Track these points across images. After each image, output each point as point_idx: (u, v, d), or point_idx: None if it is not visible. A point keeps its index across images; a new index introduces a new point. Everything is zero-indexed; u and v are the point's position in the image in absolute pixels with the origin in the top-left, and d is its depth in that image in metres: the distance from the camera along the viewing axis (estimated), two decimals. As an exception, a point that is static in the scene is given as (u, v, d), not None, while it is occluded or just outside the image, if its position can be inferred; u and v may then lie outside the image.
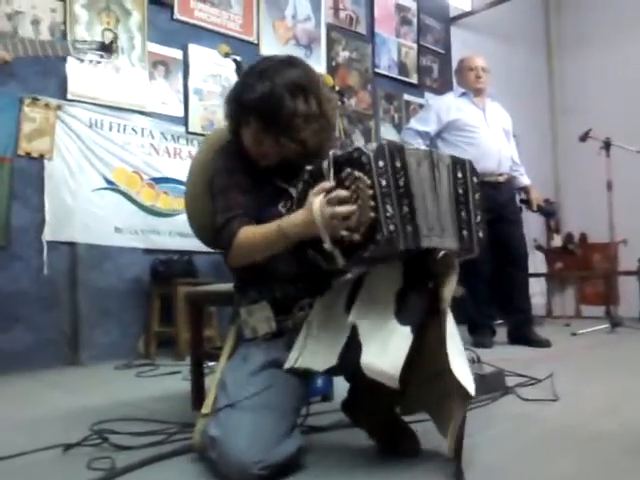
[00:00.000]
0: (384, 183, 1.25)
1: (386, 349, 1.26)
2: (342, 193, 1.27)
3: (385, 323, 1.30)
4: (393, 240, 1.23)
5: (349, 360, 1.32)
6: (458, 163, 1.41)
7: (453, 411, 1.36)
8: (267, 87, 1.49)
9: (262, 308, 1.52)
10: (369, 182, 1.24)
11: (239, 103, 1.55)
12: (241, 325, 1.56)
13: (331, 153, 1.33)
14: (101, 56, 1.68)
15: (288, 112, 1.48)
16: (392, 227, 1.23)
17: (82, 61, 1.66)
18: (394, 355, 1.25)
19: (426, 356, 1.33)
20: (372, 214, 1.24)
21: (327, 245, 1.28)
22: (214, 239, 1.60)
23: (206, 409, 1.49)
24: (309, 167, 1.38)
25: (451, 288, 1.34)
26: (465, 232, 1.38)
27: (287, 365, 1.41)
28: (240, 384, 1.40)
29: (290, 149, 1.53)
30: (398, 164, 1.28)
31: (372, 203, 1.24)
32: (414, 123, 4.00)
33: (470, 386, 1.31)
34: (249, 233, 1.47)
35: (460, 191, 1.39)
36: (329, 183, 1.31)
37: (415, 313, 1.32)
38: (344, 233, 1.27)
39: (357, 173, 1.26)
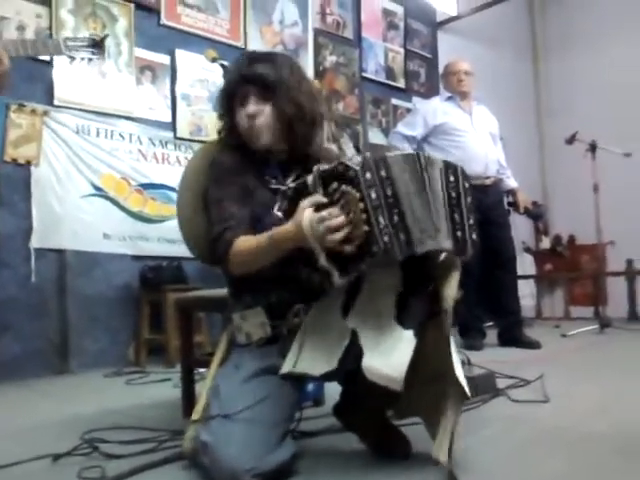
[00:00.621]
0: (374, 195, 1.25)
1: (389, 353, 1.27)
2: (333, 211, 1.26)
3: (386, 327, 1.31)
4: (388, 251, 1.24)
5: (348, 365, 1.32)
6: (450, 167, 1.42)
7: (447, 413, 1.36)
8: (268, 58, 1.65)
9: (256, 314, 1.51)
10: (359, 196, 1.24)
11: (239, 77, 1.63)
12: (234, 331, 1.56)
13: (315, 168, 1.33)
14: (92, 53, 1.66)
15: (286, 76, 1.62)
16: (387, 238, 1.24)
17: (73, 59, 1.63)
18: (398, 359, 1.26)
19: (425, 359, 1.33)
20: (365, 227, 1.24)
21: (322, 261, 1.28)
22: (209, 250, 1.59)
23: (196, 415, 1.49)
24: (291, 183, 1.37)
25: (453, 288, 1.35)
26: (459, 233, 1.39)
27: (283, 370, 1.40)
28: (233, 392, 1.40)
29: (287, 115, 1.60)
30: (384, 174, 1.28)
31: (364, 216, 1.24)
32: (401, 127, 4.02)
33: (467, 387, 1.33)
34: (243, 244, 1.47)
35: (453, 194, 1.40)
36: (318, 197, 1.30)
37: (416, 316, 1.33)
38: (337, 247, 1.26)
39: (345, 187, 1.26)
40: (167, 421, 1.94)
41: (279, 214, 1.44)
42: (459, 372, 1.32)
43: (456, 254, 1.40)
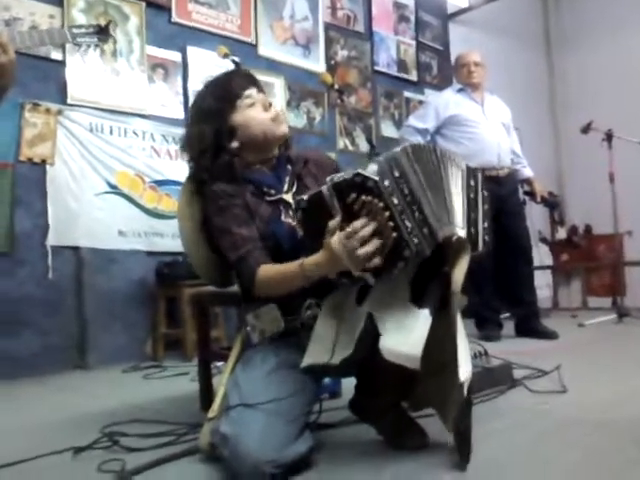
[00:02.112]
0: (396, 201, 1.24)
1: (405, 332, 1.28)
2: (358, 224, 1.24)
3: (402, 308, 1.31)
4: (419, 252, 1.24)
5: (365, 349, 1.32)
6: (471, 171, 1.45)
7: (456, 401, 1.36)
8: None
9: (269, 310, 1.51)
10: (382, 205, 1.23)
11: (235, 79, 1.68)
12: (249, 332, 1.56)
13: (329, 179, 1.29)
14: (99, 39, 1.66)
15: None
16: (416, 240, 1.24)
17: (80, 46, 1.63)
18: (414, 337, 1.27)
19: (436, 346, 1.32)
20: (394, 234, 1.23)
21: (357, 273, 1.27)
22: (236, 277, 1.63)
23: (212, 413, 1.49)
24: (304, 196, 1.33)
25: (462, 271, 1.33)
26: (472, 229, 1.40)
27: (304, 364, 1.41)
28: (253, 385, 1.41)
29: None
30: (397, 174, 1.27)
31: (391, 224, 1.23)
32: (413, 120, 4.00)
33: (463, 371, 1.30)
34: (270, 272, 1.47)
35: (472, 196, 1.43)
36: (338, 218, 1.27)
37: (431, 297, 1.34)
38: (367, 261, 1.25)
39: (366, 198, 1.24)
40: (185, 414, 1.95)
41: (293, 223, 1.46)
42: (462, 360, 1.30)
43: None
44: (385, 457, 1.47)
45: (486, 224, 1.43)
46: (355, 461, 1.46)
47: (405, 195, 1.25)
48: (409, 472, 1.37)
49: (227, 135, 1.63)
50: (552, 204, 4.39)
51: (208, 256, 1.70)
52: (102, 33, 1.68)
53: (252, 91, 1.66)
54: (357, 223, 1.24)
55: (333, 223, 1.28)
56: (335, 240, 1.26)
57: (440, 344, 1.33)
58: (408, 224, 1.23)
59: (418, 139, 3.80)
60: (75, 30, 1.62)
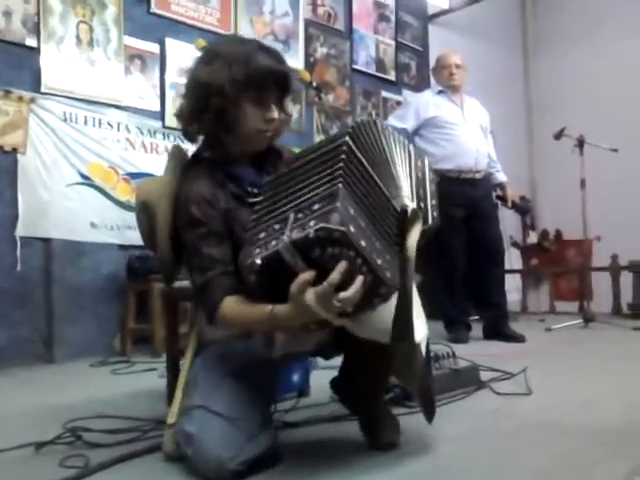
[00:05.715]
0: (363, 244, 1.15)
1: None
2: (334, 279, 1.14)
3: None
4: (394, 285, 1.21)
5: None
6: (418, 154, 1.46)
7: (416, 362, 1.37)
8: (281, 57, 1.51)
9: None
10: (352, 253, 1.14)
11: (267, 71, 1.45)
12: (203, 327, 1.53)
13: (286, 238, 1.17)
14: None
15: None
16: (389, 274, 1.19)
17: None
18: (382, 312, 1.25)
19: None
20: (370, 276, 1.17)
21: (336, 322, 1.22)
22: (199, 300, 1.53)
23: (172, 419, 1.47)
24: (257, 259, 1.19)
25: (414, 237, 1.28)
26: (422, 204, 1.38)
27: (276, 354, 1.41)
28: (213, 382, 1.40)
29: (282, 122, 1.54)
30: (352, 211, 1.18)
31: (364, 268, 1.16)
32: (392, 120, 4.01)
33: (418, 331, 1.30)
34: (234, 312, 1.35)
35: (419, 175, 1.42)
36: (308, 276, 1.17)
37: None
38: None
39: (333, 250, 1.14)
40: (152, 411, 1.93)
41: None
42: (416, 322, 1.29)
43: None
44: (351, 456, 1.48)
45: (434, 202, 1.41)
46: (319, 459, 1.46)
47: (364, 230, 1.18)
48: (374, 472, 1.38)
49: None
50: (522, 210, 4.42)
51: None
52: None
53: (268, 92, 1.48)
54: (332, 278, 1.14)
55: (303, 280, 1.17)
56: (310, 298, 1.16)
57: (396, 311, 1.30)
58: (379, 262, 1.17)
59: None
60: None
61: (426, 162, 1.48)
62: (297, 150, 1.55)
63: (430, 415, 1.48)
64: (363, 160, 1.28)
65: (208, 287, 1.40)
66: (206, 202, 1.43)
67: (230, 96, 1.42)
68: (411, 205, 1.33)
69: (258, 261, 1.19)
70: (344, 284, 1.15)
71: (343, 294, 1.15)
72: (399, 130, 3.86)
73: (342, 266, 1.14)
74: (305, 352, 1.38)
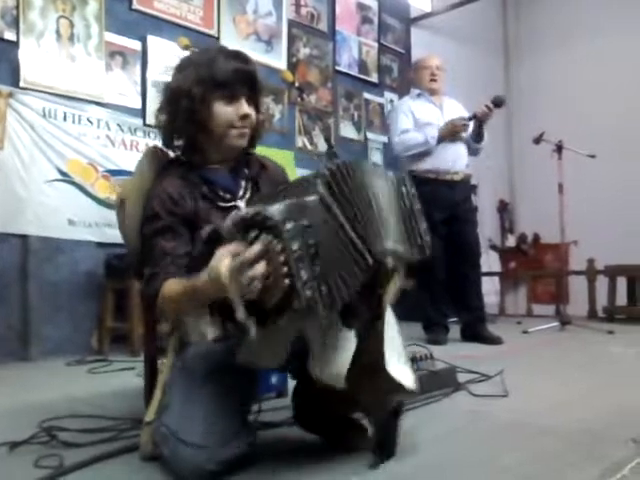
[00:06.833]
0: (295, 247, 1.13)
1: (332, 352, 1.29)
2: (251, 253, 1.15)
3: (330, 328, 1.30)
4: (311, 306, 1.15)
5: (296, 360, 1.34)
6: (401, 180, 1.37)
7: (384, 405, 1.38)
8: (248, 58, 1.57)
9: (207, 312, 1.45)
10: (280, 247, 1.14)
11: (232, 71, 1.51)
12: (186, 331, 1.52)
13: (232, 215, 1.24)
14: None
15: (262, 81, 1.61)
16: (309, 293, 1.13)
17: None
18: (340, 358, 1.28)
19: (366, 356, 1.32)
20: (287, 281, 1.14)
21: (240, 315, 1.17)
22: (142, 289, 1.55)
23: (150, 417, 1.46)
24: (207, 229, 1.31)
25: (392, 295, 1.33)
26: (412, 240, 1.34)
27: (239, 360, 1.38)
28: (190, 385, 1.39)
29: (259, 120, 1.60)
30: (306, 222, 1.16)
31: (285, 270, 1.14)
32: (396, 136, 3.95)
33: (408, 382, 1.34)
34: (170, 289, 1.39)
35: (405, 202, 1.35)
36: (236, 246, 1.19)
37: (359, 318, 1.32)
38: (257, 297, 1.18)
39: (265, 237, 1.16)
40: (128, 410, 1.92)
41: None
42: (393, 368, 1.33)
43: (411, 256, 1.34)
44: (328, 456, 1.48)
45: (424, 224, 1.37)
46: (297, 460, 1.46)
47: (309, 246, 1.15)
48: (349, 472, 1.38)
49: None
50: (498, 101, 3.95)
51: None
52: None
53: (237, 89, 1.53)
54: (246, 253, 1.15)
55: (226, 250, 1.20)
56: (224, 266, 1.17)
57: (368, 355, 1.32)
58: (303, 274, 1.13)
59: (417, 137, 3.81)
60: None
61: (408, 183, 1.38)
62: (281, 160, 1.57)
63: (383, 454, 1.40)
64: (338, 213, 1.19)
65: (153, 277, 1.44)
66: (170, 199, 1.49)
67: (197, 96, 1.50)
68: (400, 248, 1.29)
69: (207, 229, 1.29)
70: (267, 291, 1.16)
71: (251, 272, 1.14)
72: (409, 131, 3.85)
73: (257, 246, 1.16)
74: (268, 367, 1.38)
